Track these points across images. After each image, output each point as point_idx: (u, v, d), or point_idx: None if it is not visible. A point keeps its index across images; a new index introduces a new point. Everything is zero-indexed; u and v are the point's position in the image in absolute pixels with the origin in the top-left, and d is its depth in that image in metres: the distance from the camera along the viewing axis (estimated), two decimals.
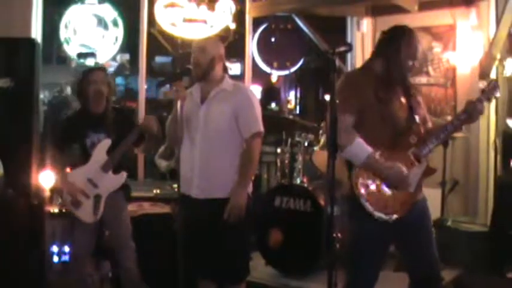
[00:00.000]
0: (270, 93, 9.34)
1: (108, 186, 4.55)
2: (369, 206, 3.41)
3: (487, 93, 3.54)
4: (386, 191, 3.46)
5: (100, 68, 4.76)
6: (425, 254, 3.54)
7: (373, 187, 3.44)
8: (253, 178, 4.30)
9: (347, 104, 3.35)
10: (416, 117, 3.51)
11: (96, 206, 4.44)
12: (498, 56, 5.86)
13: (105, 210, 4.49)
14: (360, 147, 3.38)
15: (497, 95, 3.58)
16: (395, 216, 3.42)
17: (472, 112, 3.48)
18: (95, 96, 4.60)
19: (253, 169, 4.24)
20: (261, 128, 4.16)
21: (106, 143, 4.56)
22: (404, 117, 3.49)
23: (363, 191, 3.42)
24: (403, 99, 3.53)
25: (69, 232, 5.13)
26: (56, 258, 5.33)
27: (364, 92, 3.44)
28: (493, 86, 3.56)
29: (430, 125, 3.65)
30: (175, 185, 5.67)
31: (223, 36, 6.99)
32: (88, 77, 4.61)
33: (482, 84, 3.56)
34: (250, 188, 4.23)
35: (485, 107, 5.66)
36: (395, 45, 3.52)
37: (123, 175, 4.61)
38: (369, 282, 3.58)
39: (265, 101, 9.26)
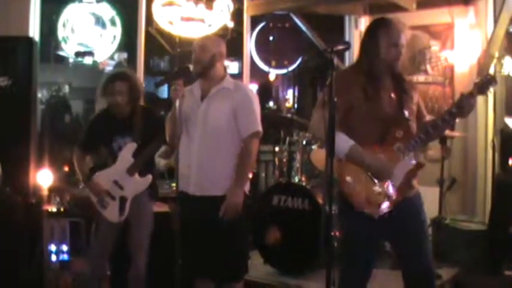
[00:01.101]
0: (264, 91, 9.31)
1: (134, 189, 4.60)
2: (353, 201, 3.44)
3: (480, 87, 3.42)
4: (371, 186, 3.45)
5: (119, 77, 4.67)
6: (417, 251, 3.50)
7: (357, 182, 3.45)
8: (250, 177, 4.30)
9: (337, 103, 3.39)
10: (406, 112, 3.47)
11: (122, 207, 4.52)
12: (496, 55, 5.87)
13: (130, 207, 4.57)
14: (342, 141, 3.38)
15: (492, 88, 3.46)
16: (378, 212, 3.42)
17: (463, 106, 3.39)
18: (119, 106, 4.63)
19: (250, 169, 4.24)
20: (260, 128, 4.16)
21: (132, 146, 4.59)
22: (392, 112, 3.46)
23: (347, 186, 3.44)
24: (392, 95, 3.50)
25: (69, 231, 5.17)
26: (54, 257, 5.33)
27: (351, 90, 3.44)
28: (487, 80, 3.43)
29: (427, 120, 3.62)
30: (173, 184, 5.67)
31: (221, 35, 6.98)
32: (108, 87, 4.63)
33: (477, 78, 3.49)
34: (247, 187, 4.24)
35: (483, 105, 5.69)
36: (374, 37, 3.50)
37: (149, 178, 4.64)
38: (359, 279, 3.58)
39: (260, 99, 9.24)
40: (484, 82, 3.40)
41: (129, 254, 4.64)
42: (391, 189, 3.44)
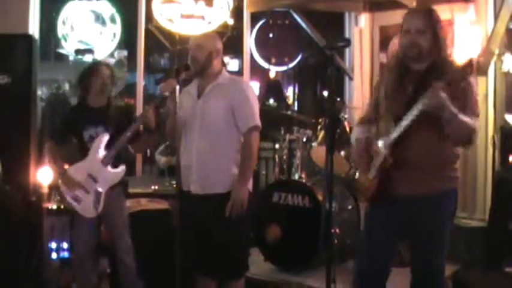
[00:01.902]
0: (272, 88, 9.32)
1: (108, 181, 4.55)
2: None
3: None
4: (361, 176, 3.49)
5: (103, 64, 4.81)
6: (422, 251, 3.48)
7: (357, 172, 3.52)
8: (253, 173, 4.29)
9: (370, 97, 3.48)
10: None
11: (97, 201, 4.46)
12: (496, 51, 5.86)
13: (104, 204, 4.51)
14: (355, 133, 3.47)
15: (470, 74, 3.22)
16: (363, 201, 3.49)
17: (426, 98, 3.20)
18: (99, 90, 4.64)
19: (253, 163, 4.21)
20: (258, 122, 4.15)
21: (104, 137, 4.56)
22: (400, 109, 3.34)
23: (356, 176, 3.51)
24: (409, 88, 3.37)
25: (69, 229, 5.16)
26: (54, 255, 5.33)
27: (379, 86, 3.45)
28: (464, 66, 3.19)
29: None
30: (173, 181, 5.68)
31: (221, 32, 6.98)
32: (96, 71, 4.64)
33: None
34: (250, 184, 4.23)
35: (483, 102, 5.68)
36: (401, 28, 3.45)
37: (122, 169, 4.61)
38: (372, 271, 3.55)
39: (267, 95, 9.25)
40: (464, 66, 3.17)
41: (114, 250, 4.64)
42: (368, 180, 3.45)
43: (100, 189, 4.50)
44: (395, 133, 3.31)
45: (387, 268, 3.57)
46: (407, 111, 3.25)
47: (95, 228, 4.62)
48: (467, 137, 3.28)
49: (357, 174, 3.56)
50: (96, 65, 4.77)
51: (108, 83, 4.68)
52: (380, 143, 3.39)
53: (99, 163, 4.52)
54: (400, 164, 3.35)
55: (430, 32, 3.34)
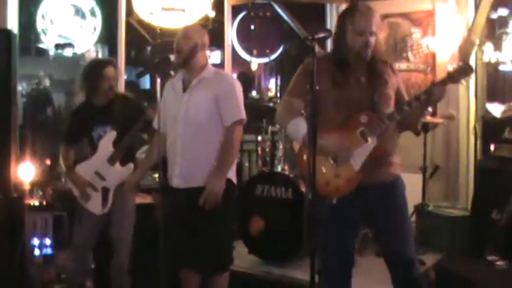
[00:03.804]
0: (245, 80, 9.29)
1: (116, 179, 4.57)
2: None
3: (452, 76, 3.37)
4: (330, 169, 3.46)
5: (111, 62, 4.74)
6: (393, 237, 3.51)
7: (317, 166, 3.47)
8: (235, 166, 4.28)
9: (297, 89, 3.52)
10: (375, 97, 3.45)
11: (105, 199, 4.51)
12: (477, 42, 5.89)
13: (112, 201, 4.54)
14: (298, 125, 3.46)
15: (465, 80, 3.41)
16: (336, 195, 3.45)
17: (431, 94, 3.38)
18: (106, 92, 4.62)
19: (233, 157, 4.20)
20: (243, 116, 4.14)
21: (111, 135, 4.56)
22: (358, 98, 3.46)
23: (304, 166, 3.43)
24: (363, 80, 3.50)
25: (52, 225, 5.14)
26: (37, 251, 5.30)
27: (319, 77, 3.45)
28: (461, 69, 3.38)
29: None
30: (156, 175, 5.65)
31: (203, 24, 6.94)
32: (102, 72, 4.59)
33: (451, 66, 3.43)
34: (234, 177, 4.23)
35: (465, 91, 5.71)
36: (341, 25, 3.56)
37: (131, 167, 4.61)
38: (336, 266, 3.59)
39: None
40: (457, 71, 3.37)
41: (112, 246, 4.63)
42: (351, 172, 3.43)
43: (108, 187, 4.53)
44: (386, 121, 3.40)
45: (352, 258, 3.65)
46: (371, 101, 3.44)
47: (100, 225, 4.64)
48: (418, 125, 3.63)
49: (326, 167, 3.53)
50: (101, 67, 4.65)
51: (114, 83, 4.67)
52: (356, 132, 3.42)
53: (106, 161, 4.54)
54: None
55: (377, 33, 3.52)
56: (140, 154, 5.08)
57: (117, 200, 4.57)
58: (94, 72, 4.64)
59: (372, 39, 3.47)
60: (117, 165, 4.58)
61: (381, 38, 3.58)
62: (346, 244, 3.60)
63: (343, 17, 3.57)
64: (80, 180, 4.60)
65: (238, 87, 4.23)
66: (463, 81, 3.42)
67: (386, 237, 3.58)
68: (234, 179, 4.23)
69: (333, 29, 3.60)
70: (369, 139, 3.41)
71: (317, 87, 3.27)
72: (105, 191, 4.53)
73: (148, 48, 8.10)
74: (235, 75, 8.75)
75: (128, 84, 7.65)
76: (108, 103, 4.65)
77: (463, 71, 3.37)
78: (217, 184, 4.03)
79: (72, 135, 4.76)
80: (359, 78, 3.49)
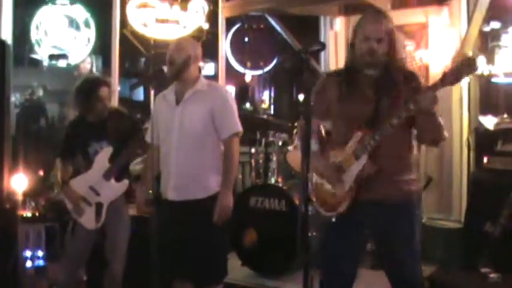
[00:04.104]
0: (242, 92, 9.32)
1: (110, 194, 4.56)
2: (314, 201, 3.45)
3: (449, 78, 3.13)
4: (328, 187, 3.46)
5: (106, 83, 4.72)
6: (391, 259, 3.47)
7: (318, 184, 3.49)
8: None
9: (314, 109, 3.31)
10: (379, 111, 3.33)
11: (98, 213, 4.47)
12: (470, 54, 5.91)
13: (106, 214, 4.52)
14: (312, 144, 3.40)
15: (472, 72, 3.21)
16: (333, 213, 3.42)
17: (419, 101, 3.18)
18: (100, 112, 4.61)
19: (235, 169, 4.19)
20: (240, 128, 4.14)
21: (107, 150, 4.56)
22: (363, 111, 3.36)
23: (312, 188, 3.46)
24: (369, 92, 3.37)
25: (45, 237, 5.12)
26: (29, 263, 5.27)
27: (327, 93, 3.44)
28: (464, 64, 3.12)
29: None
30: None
31: (196, 36, 6.96)
32: (96, 93, 4.58)
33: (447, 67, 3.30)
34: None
35: (458, 104, 5.70)
36: (353, 31, 3.46)
37: (125, 183, 4.60)
38: (339, 281, 3.53)
39: (238, 100, 9.25)
40: (456, 69, 3.12)
41: (106, 258, 4.61)
42: (341, 191, 3.39)
43: (102, 202, 4.51)
44: (376, 138, 3.28)
45: (355, 274, 3.58)
46: (373, 115, 3.32)
47: (92, 240, 4.61)
48: (440, 132, 3.39)
49: (325, 186, 3.50)
50: (96, 87, 4.62)
51: (108, 102, 4.68)
52: (349, 150, 3.37)
53: (101, 176, 4.53)
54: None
55: (387, 39, 3.36)
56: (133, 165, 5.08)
57: (112, 212, 4.55)
58: (88, 92, 4.61)
59: (378, 46, 3.34)
60: (112, 181, 4.57)
61: (399, 46, 3.42)
62: (347, 257, 3.52)
63: (356, 24, 3.46)
64: (74, 195, 4.58)
65: (232, 99, 4.23)
66: (465, 78, 3.19)
67: (385, 257, 3.54)
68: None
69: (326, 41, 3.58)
70: (361, 157, 3.33)
71: (324, 100, 3.36)
72: (99, 206, 4.50)
73: (142, 59, 8.11)
74: (231, 88, 8.78)
75: (122, 99, 7.67)
76: (103, 120, 4.66)
77: (466, 65, 3.13)
78: (227, 198, 4.03)
79: (68, 150, 4.74)
80: (364, 90, 3.39)
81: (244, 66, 8.70)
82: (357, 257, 3.59)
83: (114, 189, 4.58)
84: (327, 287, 3.52)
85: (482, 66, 5.93)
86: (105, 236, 4.61)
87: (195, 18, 7.15)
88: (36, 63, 7.41)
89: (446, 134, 3.43)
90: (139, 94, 9.35)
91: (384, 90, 3.34)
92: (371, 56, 3.34)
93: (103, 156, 4.57)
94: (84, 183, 4.58)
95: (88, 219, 4.54)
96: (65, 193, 4.65)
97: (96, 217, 4.48)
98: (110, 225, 4.59)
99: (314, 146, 3.36)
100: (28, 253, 5.28)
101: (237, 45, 8.54)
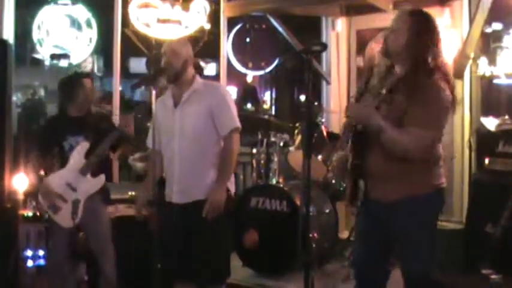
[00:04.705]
0: (248, 92, 9.32)
1: (87, 190, 4.54)
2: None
3: None
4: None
5: (89, 76, 4.82)
6: (403, 257, 3.48)
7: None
8: (232, 176, 4.27)
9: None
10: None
11: (75, 211, 4.40)
12: (472, 55, 5.90)
13: (83, 214, 4.47)
14: None
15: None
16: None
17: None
18: (82, 103, 4.63)
19: (232, 166, 4.18)
20: (238, 124, 4.14)
21: (84, 145, 4.55)
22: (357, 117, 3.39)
23: None
24: (371, 99, 3.32)
25: (45, 236, 5.11)
26: (30, 263, 5.27)
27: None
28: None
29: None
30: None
31: (198, 36, 6.96)
32: (80, 85, 4.63)
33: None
34: (232, 188, 4.23)
35: (460, 105, 5.71)
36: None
37: (102, 178, 4.59)
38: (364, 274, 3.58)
39: (242, 101, 9.25)
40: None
41: (91, 259, 4.63)
42: None
43: (79, 198, 4.46)
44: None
45: (382, 270, 3.58)
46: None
47: (72, 238, 4.59)
48: (402, 152, 3.23)
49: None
50: (79, 79, 4.73)
51: (91, 95, 4.71)
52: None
53: (77, 172, 4.51)
54: (365, 172, 3.38)
55: (404, 32, 3.27)
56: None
57: (89, 212, 4.54)
58: (72, 81, 4.69)
59: (390, 36, 3.31)
60: (89, 176, 4.55)
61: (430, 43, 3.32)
62: (373, 256, 3.54)
63: None
64: (50, 192, 4.54)
65: (230, 96, 4.25)
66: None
67: (396, 252, 3.54)
68: (232, 189, 4.23)
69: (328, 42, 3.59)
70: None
71: None
72: (75, 203, 4.42)
73: (144, 59, 8.10)
74: (233, 88, 8.78)
75: (123, 98, 7.67)
76: (83, 115, 4.67)
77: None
78: (219, 194, 4.02)
79: (44, 146, 4.71)
80: (368, 98, 3.35)
81: (246, 66, 8.68)
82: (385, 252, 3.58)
83: (91, 184, 4.57)
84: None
85: (484, 67, 5.93)
86: (87, 238, 4.64)
87: (197, 18, 7.14)
88: (38, 63, 7.41)
89: (403, 151, 3.25)
90: (141, 95, 9.38)
91: (381, 97, 3.32)
92: (383, 45, 3.40)
93: (79, 151, 4.56)
94: (60, 179, 4.55)
95: (64, 217, 4.49)
96: (41, 191, 4.60)
97: (72, 215, 4.39)
98: (89, 226, 4.59)
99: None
100: (29, 253, 5.27)
101: (238, 46, 8.53)
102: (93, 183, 4.58)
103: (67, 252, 4.62)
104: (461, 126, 6.20)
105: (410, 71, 3.24)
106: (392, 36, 3.31)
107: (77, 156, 4.55)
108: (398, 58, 3.32)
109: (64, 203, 4.51)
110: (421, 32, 3.27)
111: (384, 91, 3.21)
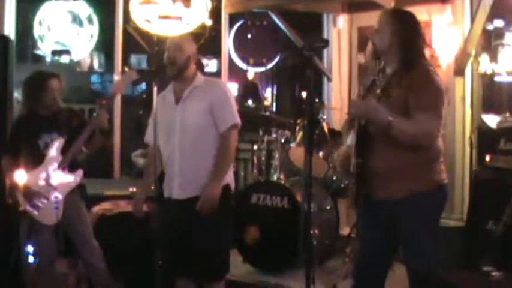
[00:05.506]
0: (249, 89, 9.30)
1: (66, 186, 4.54)
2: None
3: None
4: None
5: (56, 75, 4.77)
6: (408, 256, 3.50)
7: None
8: (232, 172, 4.27)
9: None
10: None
11: (56, 207, 4.41)
12: (473, 53, 5.90)
13: (64, 210, 4.48)
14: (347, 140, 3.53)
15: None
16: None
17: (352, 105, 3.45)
18: (49, 103, 4.64)
19: (229, 162, 4.20)
20: (238, 120, 4.15)
21: (59, 142, 4.54)
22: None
23: None
24: (371, 92, 3.38)
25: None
26: (31, 258, 5.27)
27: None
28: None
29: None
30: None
31: (199, 33, 6.95)
32: (45, 84, 4.62)
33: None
34: (232, 182, 4.23)
35: (461, 102, 5.69)
36: None
37: (80, 173, 4.59)
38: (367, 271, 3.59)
39: (243, 97, 9.24)
40: None
41: (82, 255, 4.66)
42: None
43: (59, 195, 4.46)
44: (353, 138, 3.40)
45: (382, 268, 3.62)
46: None
47: (54, 234, 4.58)
48: (414, 141, 3.30)
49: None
50: (44, 79, 4.69)
51: (58, 95, 4.69)
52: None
53: (55, 169, 4.52)
54: (368, 171, 3.39)
55: (388, 32, 3.37)
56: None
57: (69, 208, 4.54)
58: (37, 83, 4.67)
59: (376, 37, 3.42)
60: (67, 172, 4.55)
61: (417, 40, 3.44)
62: (375, 253, 3.57)
63: None
64: (29, 192, 4.54)
65: (231, 93, 4.27)
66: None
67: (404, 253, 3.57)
68: (232, 185, 4.23)
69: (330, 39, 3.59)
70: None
71: None
72: (56, 199, 4.43)
73: (145, 56, 8.10)
74: (234, 85, 8.77)
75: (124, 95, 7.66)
76: (53, 113, 4.68)
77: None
78: (214, 189, 4.01)
79: (16, 146, 4.69)
80: (369, 92, 3.40)
81: (247, 63, 8.67)
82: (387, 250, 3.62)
83: (70, 180, 4.56)
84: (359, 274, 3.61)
85: (485, 64, 5.92)
86: (70, 235, 4.62)
87: (198, 14, 7.14)
88: (39, 59, 7.41)
89: (413, 139, 3.32)
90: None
91: (385, 91, 3.36)
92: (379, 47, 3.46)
93: (55, 148, 4.55)
94: (38, 177, 4.54)
95: (46, 215, 4.50)
96: (21, 191, 4.57)
97: (54, 211, 4.40)
98: (71, 221, 4.58)
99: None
100: (30, 249, 5.27)
101: (239, 42, 8.52)
102: (72, 179, 4.58)
103: (53, 249, 4.63)
104: (462, 123, 6.19)
105: (400, 68, 3.33)
106: (378, 37, 3.41)
107: (54, 152, 4.55)
108: (386, 58, 3.39)
109: (45, 200, 4.51)
110: (403, 30, 3.38)
111: (378, 91, 3.27)
